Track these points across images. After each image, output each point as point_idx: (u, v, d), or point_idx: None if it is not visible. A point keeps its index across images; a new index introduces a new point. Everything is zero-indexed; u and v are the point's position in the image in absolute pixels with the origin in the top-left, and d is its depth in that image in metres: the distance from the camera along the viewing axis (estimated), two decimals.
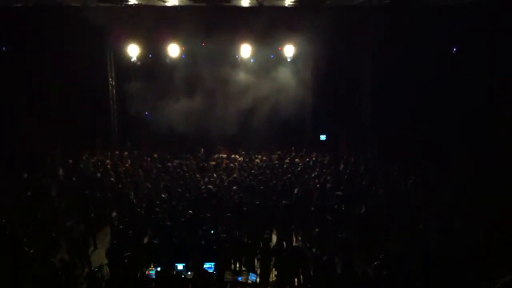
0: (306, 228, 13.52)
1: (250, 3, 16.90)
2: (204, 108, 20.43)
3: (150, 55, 20.59)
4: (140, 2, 16.69)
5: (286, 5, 17.08)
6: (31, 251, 11.92)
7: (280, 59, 20.24)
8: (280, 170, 17.88)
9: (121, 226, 12.90)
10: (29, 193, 15.08)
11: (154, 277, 10.90)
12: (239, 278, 11.27)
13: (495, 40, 17.09)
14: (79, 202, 14.72)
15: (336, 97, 21.12)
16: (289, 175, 17.00)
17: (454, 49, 20.37)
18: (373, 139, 20.54)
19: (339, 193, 14.85)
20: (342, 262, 11.43)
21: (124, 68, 20.79)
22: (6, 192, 15.11)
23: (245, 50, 19.43)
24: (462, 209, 13.60)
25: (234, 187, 15.59)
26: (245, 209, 13.80)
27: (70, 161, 18.86)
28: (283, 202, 13.88)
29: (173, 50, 19.41)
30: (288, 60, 19.75)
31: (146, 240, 12.89)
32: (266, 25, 17.27)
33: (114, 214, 15.36)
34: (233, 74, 20.32)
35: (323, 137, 22.33)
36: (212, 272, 10.98)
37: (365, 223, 13.04)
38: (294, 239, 13.79)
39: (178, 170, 17.75)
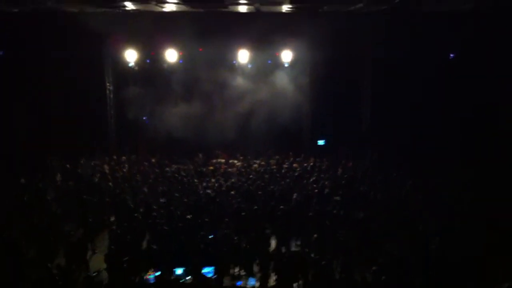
0: (305, 233, 13.52)
1: (247, 8, 16.99)
2: (202, 113, 20.43)
3: (148, 60, 20.65)
4: (137, 8, 16.77)
5: (284, 10, 17.18)
6: (29, 255, 11.85)
7: (278, 64, 20.32)
8: (278, 175, 17.86)
9: (119, 231, 12.86)
10: (25, 198, 15.01)
11: (152, 282, 10.83)
12: (239, 283, 11.26)
13: (494, 46, 17.28)
14: (76, 206, 14.66)
15: (335, 102, 21.14)
16: (287, 180, 16.99)
17: (453, 55, 20.51)
18: (373, 144, 20.57)
19: (338, 198, 14.85)
20: (341, 267, 11.44)
21: (122, 73, 20.82)
22: (4, 196, 15.04)
23: (243, 56, 19.56)
24: (462, 211, 13.65)
25: (232, 192, 15.56)
26: (243, 214, 13.79)
27: (68, 165, 18.80)
28: (281, 207, 13.87)
29: (171, 55, 19.53)
30: (286, 65, 19.84)
31: (144, 245, 12.85)
32: (264, 30, 17.35)
33: (112, 218, 15.31)
34: (230, 79, 20.38)
35: (321, 142, 22.32)
36: (212, 277, 10.94)
37: (364, 227, 13.04)
38: (293, 244, 13.78)
39: (176, 175, 17.71)
